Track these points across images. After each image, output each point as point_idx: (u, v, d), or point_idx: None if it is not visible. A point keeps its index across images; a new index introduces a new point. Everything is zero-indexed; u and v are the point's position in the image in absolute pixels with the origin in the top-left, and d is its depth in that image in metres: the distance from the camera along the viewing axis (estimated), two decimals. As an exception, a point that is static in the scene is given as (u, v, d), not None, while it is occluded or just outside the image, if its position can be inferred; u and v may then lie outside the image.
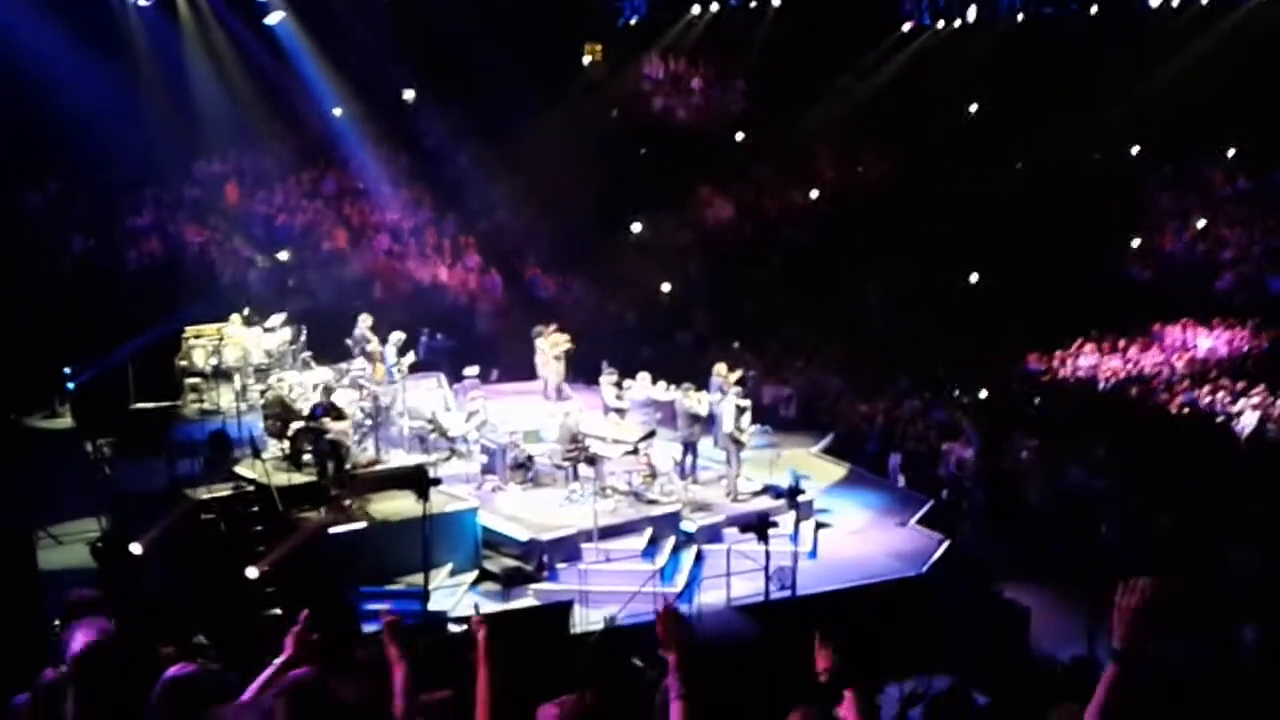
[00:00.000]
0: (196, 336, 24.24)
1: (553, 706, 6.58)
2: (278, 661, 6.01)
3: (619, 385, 23.84)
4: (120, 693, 5.79)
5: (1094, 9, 42.41)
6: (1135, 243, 38.44)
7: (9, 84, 27.39)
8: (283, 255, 31.78)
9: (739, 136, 42.32)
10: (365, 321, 25.38)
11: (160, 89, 31.34)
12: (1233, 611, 18.48)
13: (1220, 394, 28.14)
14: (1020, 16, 43.14)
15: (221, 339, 24.13)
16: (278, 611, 15.26)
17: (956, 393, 29.96)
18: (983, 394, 29.61)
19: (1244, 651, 17.50)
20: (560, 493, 21.51)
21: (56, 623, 8.22)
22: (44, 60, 28.01)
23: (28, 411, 25.06)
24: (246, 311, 25.36)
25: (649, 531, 20.55)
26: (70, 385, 24.52)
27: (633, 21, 42.97)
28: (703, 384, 23.59)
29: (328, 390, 21.04)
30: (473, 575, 19.43)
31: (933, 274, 36.91)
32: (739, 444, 22.22)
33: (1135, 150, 41.88)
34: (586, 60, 43.11)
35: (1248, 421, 26.94)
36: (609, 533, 20.13)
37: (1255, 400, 27.55)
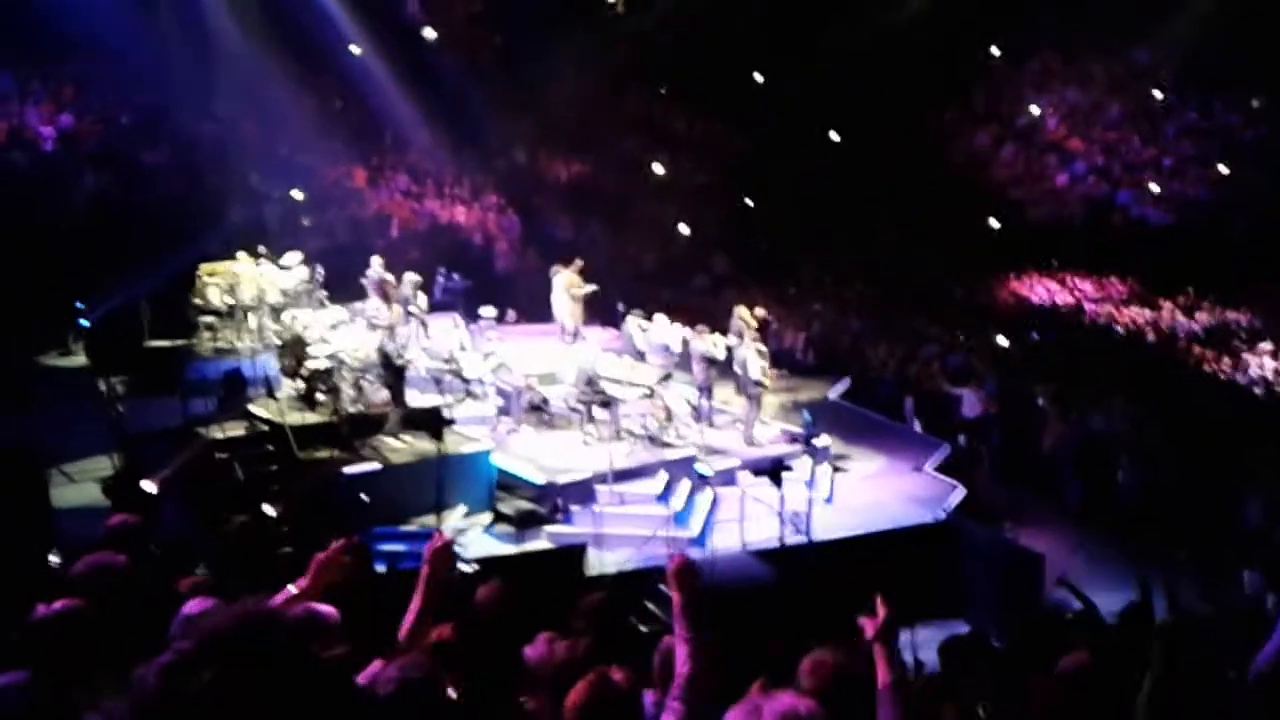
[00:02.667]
0: (210, 274, 24.14)
1: (543, 643, 6.52)
2: (292, 589, 5.90)
3: (642, 328, 23.80)
4: (129, 625, 5.72)
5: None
6: (1154, 188, 38.12)
7: (26, 14, 27.32)
8: (296, 193, 31.63)
9: (758, 76, 41.99)
10: (378, 263, 25.29)
11: (176, 24, 31.03)
12: (1241, 557, 18.47)
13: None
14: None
15: (234, 277, 24.03)
16: (289, 550, 15.23)
17: (965, 338, 29.84)
18: (1000, 340, 29.45)
19: (1246, 596, 17.48)
20: (575, 435, 21.42)
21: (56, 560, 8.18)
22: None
23: (41, 349, 25.01)
24: (261, 249, 25.26)
25: (664, 475, 20.49)
26: (84, 322, 24.46)
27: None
28: (721, 326, 23.52)
29: (390, 329, 21.05)
30: (487, 517, 19.39)
31: (951, 218, 36.72)
32: (762, 388, 22.17)
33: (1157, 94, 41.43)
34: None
35: (1263, 370, 26.82)
36: (624, 476, 20.04)
37: (1269, 348, 27.46)
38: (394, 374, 20.24)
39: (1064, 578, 12.25)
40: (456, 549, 16.04)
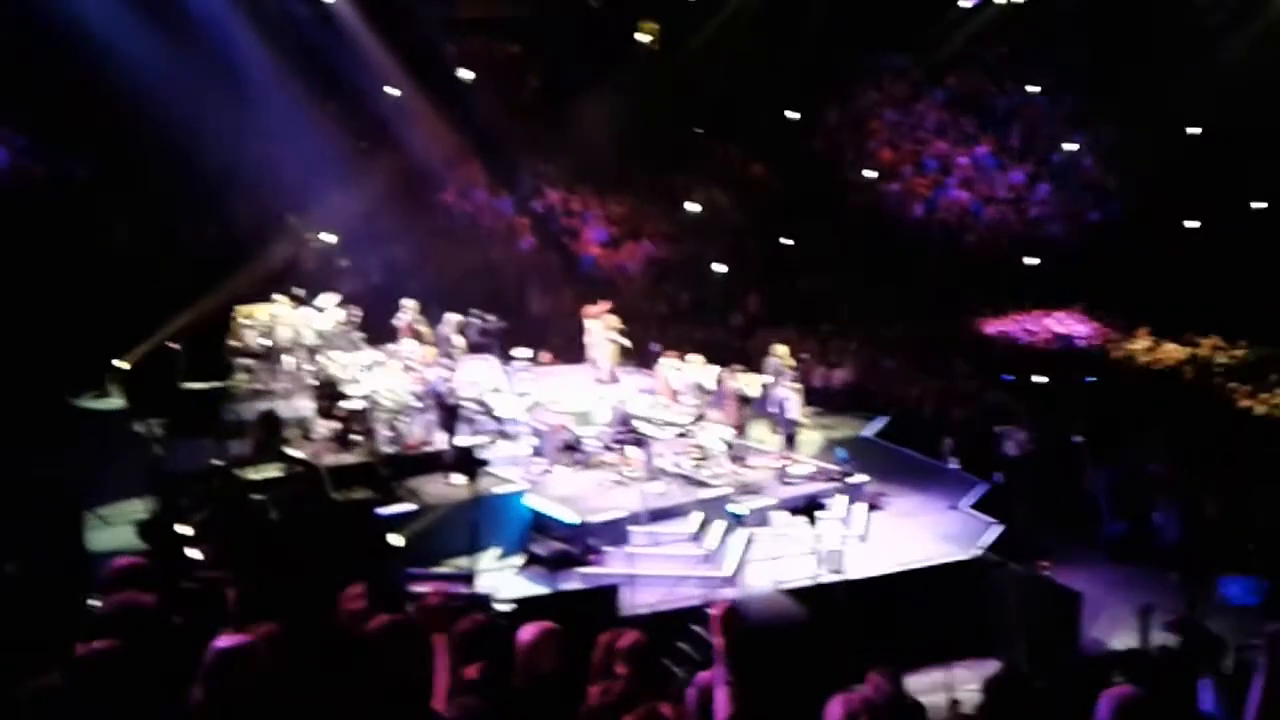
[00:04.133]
0: (247, 316, 24.26)
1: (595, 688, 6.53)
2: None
3: (677, 368, 23.81)
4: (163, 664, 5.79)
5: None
6: (1190, 224, 37.85)
7: (55, 49, 27.59)
8: (328, 236, 31.78)
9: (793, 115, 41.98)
10: (410, 305, 25.43)
11: (208, 62, 31.00)
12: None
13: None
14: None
15: (270, 319, 24.14)
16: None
17: (1004, 375, 29.76)
18: (1040, 378, 29.35)
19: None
20: (609, 475, 21.41)
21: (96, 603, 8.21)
22: (89, 25, 28.05)
23: (78, 391, 25.14)
24: (299, 292, 25.39)
25: (698, 515, 20.46)
26: (121, 365, 24.59)
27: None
28: (754, 365, 23.55)
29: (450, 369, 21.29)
30: (520, 558, 19.38)
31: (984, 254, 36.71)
32: (798, 428, 22.18)
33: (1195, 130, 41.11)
34: (643, 38, 42.77)
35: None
36: (658, 516, 20.03)
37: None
38: (447, 414, 20.34)
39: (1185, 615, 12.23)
40: (479, 593, 16.12)
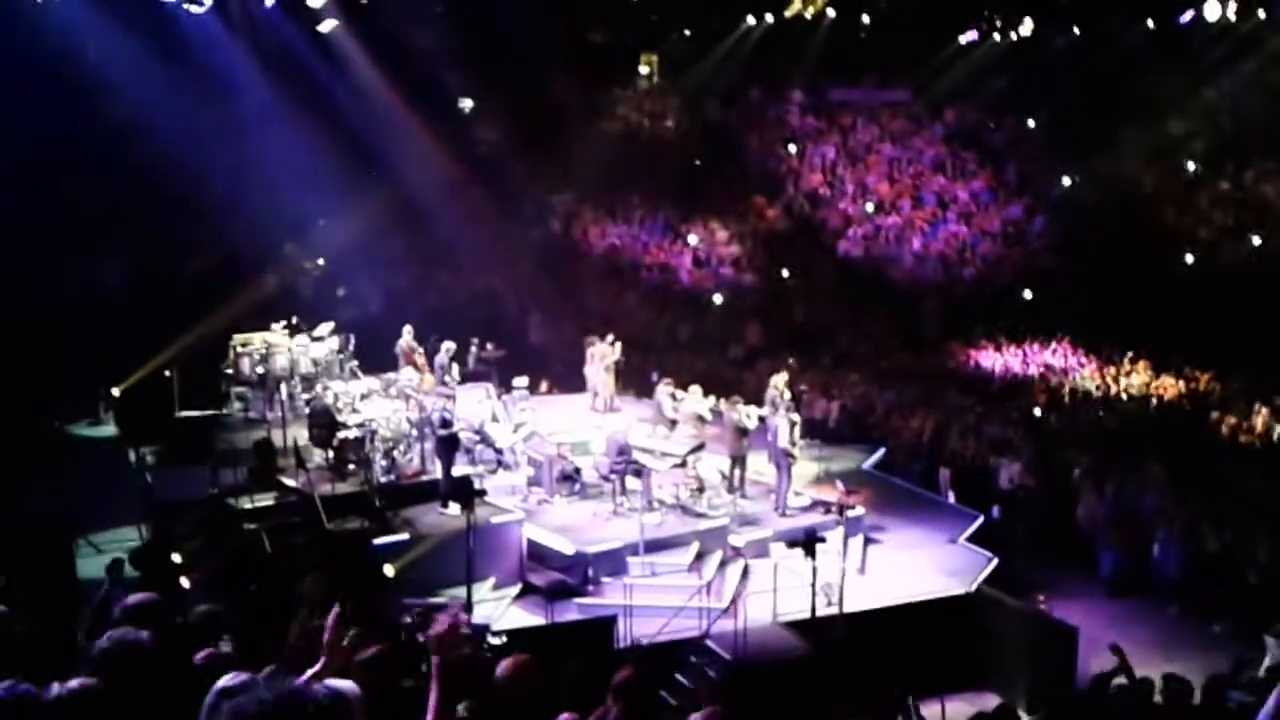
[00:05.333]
0: (243, 344, 24.13)
1: None
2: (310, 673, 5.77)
3: (674, 397, 23.69)
4: (152, 700, 5.65)
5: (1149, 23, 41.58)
6: (1189, 258, 37.83)
7: (63, 89, 27.52)
8: (320, 261, 31.72)
9: (792, 148, 42.03)
10: (409, 332, 25.32)
11: (207, 91, 30.95)
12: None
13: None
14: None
15: (267, 347, 24.00)
16: (317, 623, 15.09)
17: (1002, 408, 29.68)
18: (1036, 410, 29.29)
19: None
20: (607, 505, 21.28)
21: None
22: (97, 60, 28.03)
23: (72, 419, 25.01)
24: (294, 320, 25.27)
25: (696, 545, 20.33)
26: (115, 392, 24.47)
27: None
28: (754, 397, 23.45)
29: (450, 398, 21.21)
30: (516, 588, 19.23)
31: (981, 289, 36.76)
32: (792, 459, 22.02)
33: (1191, 165, 41.18)
34: (643, 70, 42.89)
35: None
36: (655, 546, 19.89)
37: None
38: (446, 444, 20.23)
39: (1116, 645, 12.11)
40: (474, 623, 15.91)
